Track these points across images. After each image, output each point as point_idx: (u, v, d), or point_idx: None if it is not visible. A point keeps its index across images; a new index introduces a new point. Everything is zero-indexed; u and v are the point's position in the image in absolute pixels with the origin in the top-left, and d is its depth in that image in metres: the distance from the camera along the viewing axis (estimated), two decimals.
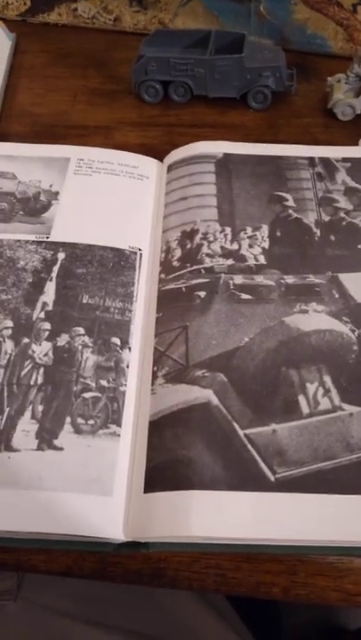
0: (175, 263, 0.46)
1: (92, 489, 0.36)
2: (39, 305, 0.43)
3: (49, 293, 0.44)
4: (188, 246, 0.47)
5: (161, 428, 0.38)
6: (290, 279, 0.45)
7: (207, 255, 0.46)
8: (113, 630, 0.54)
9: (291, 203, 0.50)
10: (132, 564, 0.36)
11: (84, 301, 0.44)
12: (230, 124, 0.62)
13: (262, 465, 0.35)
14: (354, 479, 0.35)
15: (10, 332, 0.42)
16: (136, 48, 0.64)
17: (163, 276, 0.46)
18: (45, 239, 0.47)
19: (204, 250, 0.47)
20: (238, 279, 0.45)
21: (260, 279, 0.45)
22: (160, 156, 0.57)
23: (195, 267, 0.46)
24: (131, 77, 0.63)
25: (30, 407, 0.39)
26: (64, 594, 0.55)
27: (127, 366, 0.41)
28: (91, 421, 0.38)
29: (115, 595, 0.56)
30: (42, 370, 0.40)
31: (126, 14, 0.72)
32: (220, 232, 0.48)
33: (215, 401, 0.38)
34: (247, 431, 0.37)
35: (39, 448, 0.37)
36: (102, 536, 0.35)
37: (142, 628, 0.54)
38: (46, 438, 0.37)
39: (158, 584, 0.36)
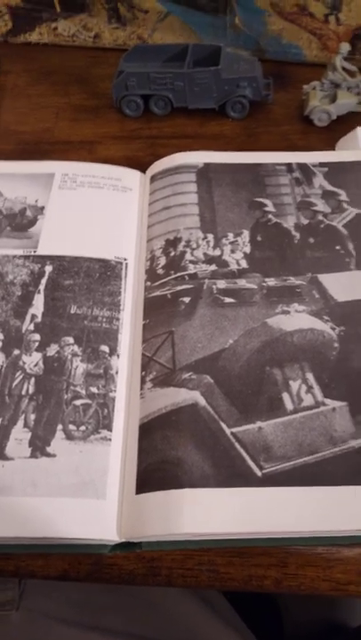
0: (160, 271, 0.48)
1: (85, 493, 0.37)
2: (28, 317, 0.45)
3: (37, 305, 0.45)
4: (172, 254, 0.49)
5: (151, 431, 0.39)
6: (271, 282, 0.46)
7: (191, 262, 0.48)
8: (113, 634, 0.54)
9: (270, 208, 0.51)
10: (127, 564, 0.37)
11: (73, 312, 0.45)
12: (210, 135, 0.64)
13: (249, 461, 0.36)
14: (338, 471, 0.36)
15: (0, 344, 0.43)
16: (116, 64, 0.65)
17: (148, 283, 0.47)
18: (33, 253, 0.49)
19: (188, 257, 0.48)
20: (221, 284, 0.46)
21: (242, 283, 0.46)
22: (143, 168, 0.58)
23: (179, 273, 0.47)
24: (112, 93, 0.65)
25: (23, 416, 0.40)
26: (65, 601, 0.56)
27: (116, 373, 0.42)
28: (82, 427, 0.39)
29: (114, 599, 0.57)
30: (33, 380, 0.41)
31: (105, 31, 0.74)
32: (203, 239, 0.49)
33: (202, 402, 0.39)
34: (234, 429, 0.38)
35: (32, 456, 0.38)
36: (97, 538, 0.36)
37: (142, 631, 0.55)
38: (39, 446, 0.38)
39: (153, 583, 0.37)
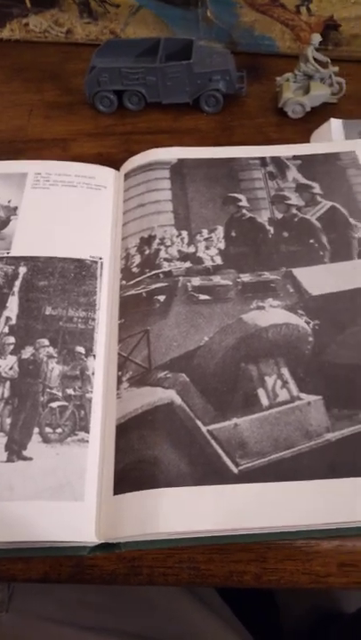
0: (135, 269, 0.48)
1: (63, 495, 0.37)
2: (2, 320, 0.44)
3: (12, 308, 0.45)
4: (147, 252, 0.48)
5: (127, 431, 0.39)
6: (246, 277, 0.46)
7: (165, 260, 0.47)
8: (108, 633, 0.55)
9: (244, 203, 0.51)
10: (108, 565, 0.37)
11: (48, 313, 0.45)
12: (185, 129, 0.63)
13: (225, 458, 0.37)
14: (313, 465, 0.36)
15: None
16: (89, 59, 0.65)
17: (123, 282, 0.47)
18: (6, 254, 0.48)
19: (162, 254, 0.48)
20: (196, 281, 0.46)
21: (217, 279, 0.46)
22: (118, 165, 0.58)
23: (153, 272, 0.47)
24: (84, 89, 0.65)
25: None
26: (56, 601, 0.56)
27: (92, 373, 0.42)
28: (59, 430, 0.39)
29: (107, 598, 0.57)
30: (8, 383, 0.41)
31: (77, 26, 0.73)
32: (177, 236, 0.49)
33: (178, 400, 0.39)
34: (210, 427, 0.38)
35: (9, 460, 0.38)
36: (76, 540, 0.36)
37: (137, 630, 0.55)
38: (15, 450, 0.38)
39: (135, 582, 0.37)
